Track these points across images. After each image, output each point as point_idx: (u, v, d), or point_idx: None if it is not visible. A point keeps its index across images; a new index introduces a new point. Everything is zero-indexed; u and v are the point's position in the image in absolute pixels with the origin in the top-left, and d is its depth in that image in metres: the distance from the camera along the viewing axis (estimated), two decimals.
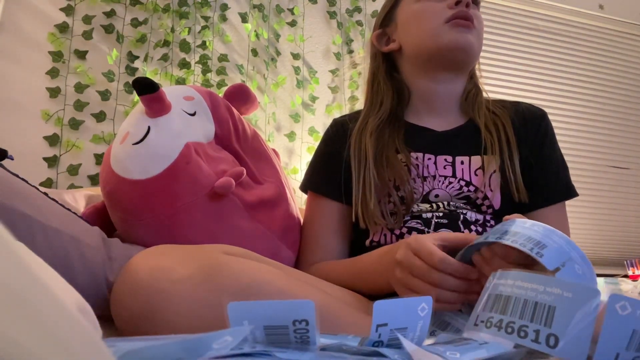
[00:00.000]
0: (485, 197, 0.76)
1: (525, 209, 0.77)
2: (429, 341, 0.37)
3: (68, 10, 1.72)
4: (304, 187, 0.91)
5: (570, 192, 0.82)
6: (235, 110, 0.91)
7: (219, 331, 0.29)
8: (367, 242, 0.81)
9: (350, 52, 2.08)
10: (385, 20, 0.90)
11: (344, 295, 0.67)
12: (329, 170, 0.86)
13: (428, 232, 0.74)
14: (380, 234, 0.79)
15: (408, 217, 0.77)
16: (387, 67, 0.89)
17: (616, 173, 2.49)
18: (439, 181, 0.78)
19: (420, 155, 0.80)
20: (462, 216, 0.75)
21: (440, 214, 0.76)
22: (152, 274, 0.49)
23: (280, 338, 0.31)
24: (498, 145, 0.78)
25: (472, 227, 0.75)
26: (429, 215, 0.76)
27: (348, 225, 0.84)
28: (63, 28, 1.70)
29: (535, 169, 0.80)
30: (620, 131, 2.54)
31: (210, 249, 0.56)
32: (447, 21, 0.79)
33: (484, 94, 0.88)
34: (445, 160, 0.80)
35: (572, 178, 0.84)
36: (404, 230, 0.76)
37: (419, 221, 0.76)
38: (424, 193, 0.78)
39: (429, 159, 0.80)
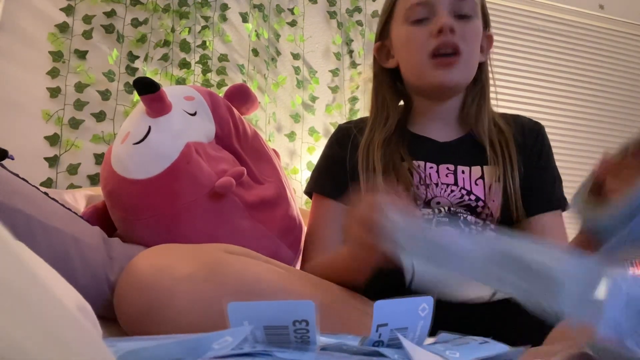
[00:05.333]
0: (486, 206, 0.77)
1: (522, 217, 0.79)
2: (429, 341, 0.37)
3: (68, 10, 1.72)
4: (310, 190, 0.90)
5: (565, 204, 0.83)
6: (235, 110, 0.91)
7: (219, 331, 0.29)
8: None
9: (350, 52, 2.08)
10: (383, 33, 0.89)
11: (345, 295, 0.67)
12: (335, 174, 0.86)
13: None
14: None
15: None
16: (390, 80, 0.89)
17: None
18: (441, 189, 0.79)
19: (422, 163, 0.81)
20: (462, 217, 0.76)
21: (442, 216, 0.76)
22: (154, 273, 0.49)
23: (281, 338, 0.31)
24: (501, 158, 0.79)
25: (472, 227, 0.75)
26: (430, 217, 0.77)
27: None
28: (63, 28, 1.70)
29: (532, 178, 0.82)
30: (619, 131, 2.53)
31: (211, 248, 0.56)
32: (431, 56, 0.78)
33: (490, 106, 0.88)
34: (448, 168, 0.81)
35: (570, 178, 0.85)
36: None
37: None
38: (426, 200, 0.78)
39: (431, 167, 0.81)
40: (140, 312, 0.48)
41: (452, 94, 0.85)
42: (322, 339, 0.33)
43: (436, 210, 0.78)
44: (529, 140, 0.85)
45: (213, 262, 0.50)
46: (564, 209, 0.83)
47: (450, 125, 0.87)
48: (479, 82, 0.87)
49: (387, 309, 0.33)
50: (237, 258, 0.53)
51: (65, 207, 0.70)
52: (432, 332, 0.36)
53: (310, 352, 0.31)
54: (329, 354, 0.32)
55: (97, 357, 0.20)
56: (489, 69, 0.90)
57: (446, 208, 0.78)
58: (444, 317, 0.52)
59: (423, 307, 0.34)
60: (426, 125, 0.87)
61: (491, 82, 0.90)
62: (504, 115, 0.89)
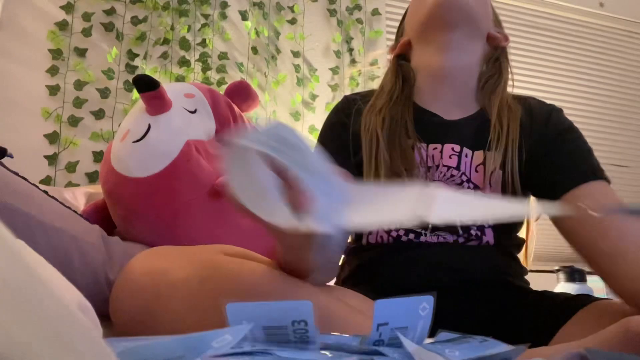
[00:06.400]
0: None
1: (552, 194, 0.72)
2: (428, 340, 0.37)
3: (68, 7, 1.71)
4: None
5: (606, 176, 0.73)
6: (236, 108, 0.91)
7: (218, 330, 0.29)
8: (364, 241, 0.79)
9: (350, 50, 2.07)
10: (397, 35, 0.95)
11: (344, 295, 0.67)
12: (339, 140, 0.83)
13: (425, 234, 0.73)
14: (376, 235, 0.77)
15: None
16: (396, 62, 0.89)
17: (616, 171, 2.49)
18: (441, 172, 0.76)
19: (424, 145, 0.78)
20: None
21: None
22: (150, 277, 0.49)
23: (280, 338, 0.31)
24: (504, 142, 0.75)
25: (472, 231, 0.74)
26: None
27: None
28: (63, 26, 1.70)
29: (549, 160, 0.75)
30: (619, 129, 2.53)
31: (208, 250, 0.56)
32: None
33: (508, 86, 0.85)
34: (453, 149, 0.77)
35: None
36: (401, 232, 0.75)
37: None
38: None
39: (435, 148, 0.77)
40: (135, 318, 0.48)
41: (457, 16, 0.80)
42: (322, 339, 0.33)
43: None
44: (537, 124, 0.79)
45: (209, 265, 0.50)
46: (608, 181, 0.72)
47: (459, 97, 0.83)
48: (497, 63, 0.85)
49: (387, 308, 0.33)
50: (234, 261, 0.53)
51: (65, 206, 0.70)
52: (433, 331, 0.36)
53: (310, 351, 0.31)
54: (330, 353, 0.32)
55: (98, 355, 0.20)
56: (507, 59, 0.87)
57: None
58: (447, 316, 0.52)
59: (423, 307, 0.34)
60: (432, 96, 0.84)
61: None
62: (516, 97, 0.84)
